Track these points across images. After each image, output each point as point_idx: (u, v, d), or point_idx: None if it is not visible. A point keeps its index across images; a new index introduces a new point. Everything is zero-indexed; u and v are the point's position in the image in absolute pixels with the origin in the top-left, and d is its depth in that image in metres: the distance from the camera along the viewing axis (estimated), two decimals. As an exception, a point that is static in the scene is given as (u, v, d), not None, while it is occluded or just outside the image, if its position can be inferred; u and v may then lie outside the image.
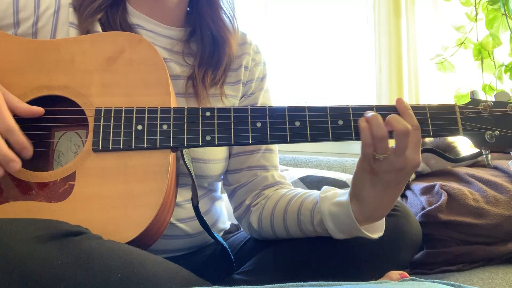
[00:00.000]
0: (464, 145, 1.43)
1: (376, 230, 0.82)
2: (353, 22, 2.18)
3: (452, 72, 1.86)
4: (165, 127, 0.75)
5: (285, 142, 0.77)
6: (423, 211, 1.17)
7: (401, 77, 1.90)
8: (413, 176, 1.38)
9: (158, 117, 0.76)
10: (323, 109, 0.77)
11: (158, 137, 0.75)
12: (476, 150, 1.30)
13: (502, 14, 1.71)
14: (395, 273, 0.85)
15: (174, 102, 0.80)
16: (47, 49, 0.80)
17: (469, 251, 1.13)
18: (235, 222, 1.11)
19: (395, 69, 1.90)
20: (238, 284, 0.84)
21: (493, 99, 0.80)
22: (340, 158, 1.75)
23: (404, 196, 1.35)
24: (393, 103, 0.77)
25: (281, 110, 0.77)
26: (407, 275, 0.85)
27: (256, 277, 0.86)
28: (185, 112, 0.76)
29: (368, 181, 0.76)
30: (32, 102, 0.76)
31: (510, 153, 0.79)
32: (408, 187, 1.35)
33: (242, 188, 0.97)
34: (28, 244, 0.57)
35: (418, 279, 0.68)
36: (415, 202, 1.26)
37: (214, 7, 0.94)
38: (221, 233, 1.07)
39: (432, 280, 0.69)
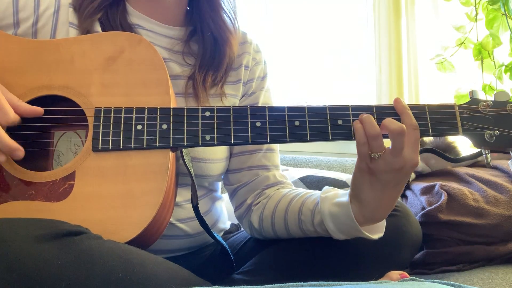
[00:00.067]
0: (464, 145, 1.43)
1: (376, 231, 0.82)
2: (353, 22, 2.18)
3: (452, 72, 1.86)
4: (164, 126, 0.75)
5: (285, 141, 0.77)
6: (423, 211, 1.17)
7: (401, 77, 1.90)
8: (413, 176, 1.38)
9: (158, 116, 0.76)
10: (323, 108, 0.77)
11: (157, 136, 0.75)
12: (476, 150, 1.31)
13: (502, 14, 1.71)
14: (395, 273, 0.85)
15: (173, 102, 0.80)
16: (47, 49, 0.80)
17: (469, 251, 1.13)
18: (236, 222, 1.11)
19: (395, 69, 1.90)
20: (238, 284, 0.84)
21: (493, 99, 0.80)
22: (340, 158, 1.75)
23: (404, 196, 1.35)
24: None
25: (280, 109, 0.77)
26: (407, 275, 0.85)
27: (256, 277, 0.86)
28: (185, 112, 0.76)
29: (367, 181, 0.76)
30: (32, 102, 0.76)
31: (509, 153, 0.79)
32: (408, 187, 1.35)
33: (244, 188, 0.97)
34: (28, 244, 0.57)
35: (418, 279, 0.68)
36: (415, 202, 1.26)
37: (214, 7, 0.94)
38: (221, 233, 1.07)
39: (432, 280, 0.69)
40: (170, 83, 0.80)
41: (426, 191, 1.25)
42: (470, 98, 0.80)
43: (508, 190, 1.17)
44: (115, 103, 0.76)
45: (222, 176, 1.01)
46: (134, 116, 0.76)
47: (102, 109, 0.76)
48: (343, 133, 0.76)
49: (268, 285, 0.60)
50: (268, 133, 0.76)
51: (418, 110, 0.77)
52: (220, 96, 0.95)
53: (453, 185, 1.21)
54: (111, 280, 0.59)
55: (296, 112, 0.77)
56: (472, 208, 1.14)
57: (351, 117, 0.77)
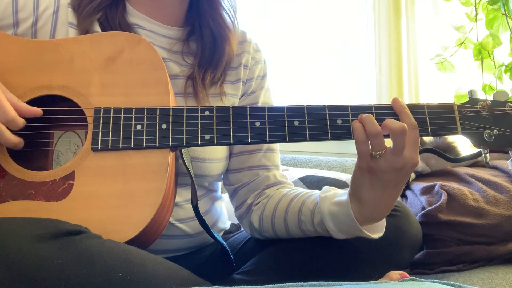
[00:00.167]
0: (464, 145, 1.43)
1: (376, 230, 0.82)
2: (353, 22, 2.18)
3: (452, 72, 1.86)
4: (164, 126, 0.75)
5: (284, 141, 0.77)
6: (423, 211, 1.17)
7: (401, 77, 1.90)
8: (413, 176, 1.38)
9: (157, 116, 0.76)
10: (322, 108, 0.77)
11: (157, 136, 0.75)
12: (476, 150, 1.31)
13: (502, 14, 1.71)
14: (395, 273, 0.85)
15: (173, 102, 0.80)
16: (47, 49, 0.80)
17: (469, 251, 1.13)
18: (236, 222, 1.11)
19: (395, 69, 1.90)
20: (238, 284, 0.84)
21: (492, 99, 0.80)
22: (340, 158, 1.75)
23: (404, 196, 1.35)
24: (393, 103, 0.77)
25: (280, 109, 0.77)
26: (407, 275, 0.85)
27: (256, 277, 0.86)
28: (184, 112, 0.76)
29: (367, 181, 0.76)
30: (31, 102, 0.76)
31: (509, 152, 0.79)
32: (408, 187, 1.35)
33: (244, 188, 0.97)
34: (28, 243, 0.57)
35: (418, 279, 0.68)
36: (415, 202, 1.26)
37: (214, 5, 0.94)
38: (221, 233, 1.07)
39: (432, 280, 0.69)
40: (169, 83, 0.80)
41: (426, 191, 1.25)
42: (469, 97, 0.80)
43: (508, 190, 1.17)
44: (115, 103, 0.76)
45: (222, 176, 1.01)
46: (133, 116, 0.76)
47: (102, 109, 0.76)
48: (342, 132, 0.76)
49: (268, 285, 0.60)
50: (267, 133, 0.76)
51: (417, 110, 0.77)
52: (219, 96, 0.95)
53: (453, 185, 1.21)
54: (111, 280, 0.59)
55: (295, 111, 0.77)
56: (472, 208, 1.14)
57: (351, 117, 0.77)
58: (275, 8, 2.19)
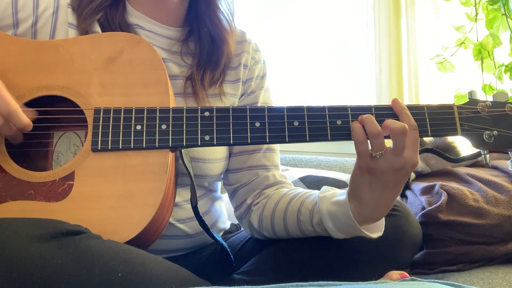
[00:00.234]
0: (464, 145, 1.43)
1: (375, 230, 0.82)
2: (353, 22, 2.18)
3: (452, 72, 1.86)
4: (164, 127, 0.76)
5: (284, 142, 0.77)
6: (423, 211, 1.17)
7: (401, 77, 1.90)
8: (413, 176, 1.38)
9: (157, 117, 0.76)
10: (322, 109, 0.77)
11: (157, 137, 0.75)
12: (476, 150, 1.31)
13: (502, 14, 1.71)
14: (395, 273, 0.85)
15: (173, 102, 0.80)
16: (47, 50, 0.80)
17: (469, 251, 1.13)
18: (235, 222, 1.11)
19: (395, 69, 1.90)
20: (238, 284, 0.84)
21: (492, 99, 0.80)
22: (340, 158, 1.75)
23: (404, 196, 1.35)
24: (393, 103, 0.77)
25: (280, 110, 0.77)
26: (407, 275, 0.85)
27: (256, 277, 0.86)
28: (184, 112, 0.76)
29: (367, 181, 0.76)
30: (31, 102, 0.77)
31: (508, 153, 0.79)
32: (408, 187, 1.35)
33: (243, 188, 0.97)
34: (28, 243, 0.57)
35: (418, 279, 0.68)
36: (415, 202, 1.26)
37: (211, 8, 0.94)
38: (221, 233, 1.07)
39: (432, 280, 0.69)
40: (169, 84, 0.80)
41: (426, 191, 1.25)
42: (468, 98, 0.80)
43: (508, 190, 1.17)
44: (115, 103, 0.76)
45: (222, 176, 1.01)
46: (133, 116, 0.76)
47: (102, 109, 0.76)
48: (342, 133, 0.76)
49: (268, 285, 0.60)
50: (267, 133, 0.76)
51: (417, 111, 0.77)
52: (219, 96, 0.95)
53: (453, 185, 1.21)
54: (111, 280, 0.59)
55: (295, 112, 0.77)
56: (472, 208, 1.14)
57: (350, 118, 0.77)
58: (275, 8, 2.19)
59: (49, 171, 0.74)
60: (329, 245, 0.86)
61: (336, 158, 1.74)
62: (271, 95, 1.04)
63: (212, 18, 0.94)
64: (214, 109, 0.77)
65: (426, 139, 1.41)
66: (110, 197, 0.71)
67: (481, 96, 0.81)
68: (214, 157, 0.92)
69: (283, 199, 0.90)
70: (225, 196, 1.05)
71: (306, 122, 0.77)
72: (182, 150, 0.79)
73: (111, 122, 0.75)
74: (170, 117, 0.76)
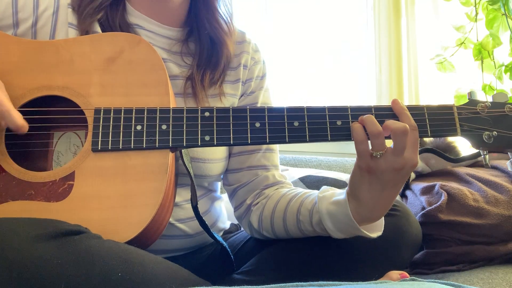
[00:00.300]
0: (464, 145, 1.43)
1: (375, 230, 0.82)
2: (353, 22, 2.18)
3: (452, 72, 1.86)
4: (164, 127, 0.76)
5: (284, 142, 0.77)
6: (423, 211, 1.17)
7: (401, 77, 1.90)
8: (413, 176, 1.38)
9: (157, 117, 0.76)
10: (322, 109, 0.77)
11: (157, 137, 0.75)
12: (476, 150, 1.31)
13: (502, 14, 1.71)
14: (395, 273, 0.85)
15: (173, 103, 0.81)
16: (47, 50, 0.80)
17: (469, 251, 1.13)
18: (235, 222, 1.11)
19: (395, 69, 1.90)
20: (238, 284, 0.84)
21: (491, 100, 0.80)
22: (340, 158, 1.75)
23: (404, 196, 1.35)
24: (393, 103, 0.77)
25: (280, 110, 0.77)
26: (407, 275, 0.85)
27: (256, 277, 0.86)
28: (184, 113, 0.77)
29: (366, 180, 0.76)
30: (31, 102, 0.77)
31: (508, 154, 0.80)
32: (408, 187, 1.35)
33: (243, 188, 0.97)
34: (28, 243, 0.57)
35: (418, 279, 0.68)
36: (415, 202, 1.26)
37: (210, 9, 0.94)
38: (221, 233, 1.07)
39: (432, 280, 0.69)
40: (169, 84, 0.80)
41: (426, 191, 1.25)
42: (468, 99, 0.80)
43: (508, 190, 1.17)
44: (115, 104, 0.76)
45: (222, 176, 1.01)
46: (133, 117, 0.76)
47: (102, 110, 0.76)
48: (342, 134, 0.77)
49: (268, 285, 0.60)
50: (267, 134, 0.76)
51: (416, 111, 0.78)
52: (219, 96, 0.95)
53: (453, 185, 1.21)
54: (111, 280, 0.60)
55: (295, 113, 0.77)
56: (472, 208, 1.14)
57: (350, 118, 0.77)
58: (275, 8, 2.19)
59: (49, 171, 0.74)
60: (329, 245, 0.86)
61: (336, 158, 1.74)
62: (271, 95, 1.04)
63: (211, 20, 0.94)
64: (214, 110, 0.77)
65: (426, 139, 1.41)
66: (110, 197, 0.71)
67: (481, 96, 0.81)
68: (214, 157, 0.92)
69: (283, 199, 0.91)
70: (225, 196, 1.06)
71: (306, 123, 0.77)
72: (182, 150, 0.79)
73: (111, 122, 0.75)
74: (170, 117, 0.76)
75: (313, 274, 0.82)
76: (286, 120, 0.77)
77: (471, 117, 0.78)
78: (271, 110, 0.77)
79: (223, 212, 1.08)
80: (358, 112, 0.77)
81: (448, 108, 0.79)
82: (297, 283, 0.61)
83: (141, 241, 0.71)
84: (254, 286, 0.62)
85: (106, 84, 0.78)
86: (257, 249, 0.93)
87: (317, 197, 0.84)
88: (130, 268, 0.62)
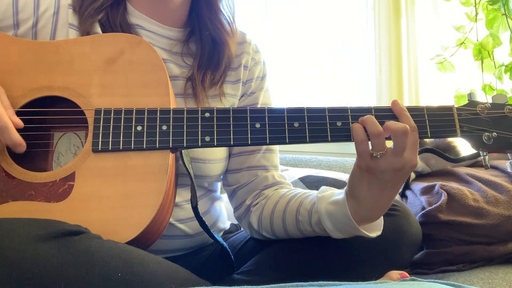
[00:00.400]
0: (464, 145, 1.43)
1: (374, 229, 0.82)
2: (353, 22, 2.18)
3: (452, 72, 1.86)
4: (164, 128, 0.76)
5: (284, 143, 0.77)
6: (423, 211, 1.17)
7: (401, 77, 1.90)
8: (413, 176, 1.38)
9: (158, 118, 0.76)
10: (322, 110, 0.77)
11: (157, 138, 0.75)
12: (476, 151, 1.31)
13: (502, 14, 1.71)
14: (395, 273, 0.85)
15: (173, 103, 0.81)
16: (47, 50, 0.80)
17: (469, 251, 1.13)
18: (235, 222, 1.11)
19: (395, 69, 1.90)
20: (238, 284, 0.84)
21: (491, 101, 0.80)
22: (340, 158, 1.75)
23: (404, 196, 1.35)
24: (393, 104, 0.77)
25: (280, 111, 0.77)
26: (407, 275, 0.85)
27: (256, 277, 0.86)
28: (185, 113, 0.77)
29: (365, 180, 0.76)
30: (31, 103, 0.77)
31: (508, 154, 0.80)
32: (408, 187, 1.35)
33: (243, 189, 0.97)
34: (28, 244, 0.57)
35: (418, 279, 0.68)
36: (415, 202, 1.26)
37: (213, 10, 0.94)
38: (221, 233, 1.07)
39: (432, 280, 0.69)
40: (170, 84, 0.80)
41: (426, 191, 1.25)
42: (468, 100, 0.80)
43: (508, 190, 1.17)
44: (115, 104, 0.77)
45: (221, 177, 1.01)
46: (134, 117, 0.76)
47: (102, 110, 0.76)
48: (342, 135, 0.77)
49: (268, 285, 0.60)
50: (267, 134, 0.76)
51: (416, 112, 0.78)
52: (219, 96, 0.95)
53: (453, 185, 1.21)
54: (111, 280, 0.60)
55: (295, 113, 0.77)
56: (472, 208, 1.14)
57: (350, 119, 0.77)
58: (275, 8, 2.19)
59: (50, 172, 0.74)
60: (329, 245, 0.86)
61: (336, 158, 1.74)
62: (271, 96, 1.04)
63: (214, 20, 0.94)
64: (215, 110, 0.77)
65: (426, 139, 1.41)
66: (110, 197, 0.72)
67: (481, 96, 0.81)
68: (214, 157, 0.92)
69: (282, 200, 0.91)
70: (225, 196, 1.06)
71: (306, 124, 0.77)
72: (183, 150, 0.79)
73: (111, 123, 0.75)
74: (171, 118, 0.76)
75: (313, 274, 0.82)
76: (286, 121, 0.77)
77: (471, 118, 0.78)
78: (271, 111, 0.77)
79: (223, 212, 1.08)
80: (358, 113, 0.77)
81: (448, 109, 0.79)
82: (297, 283, 0.61)
83: (141, 241, 0.71)
84: (254, 286, 0.62)
85: (106, 84, 0.78)
86: (257, 249, 0.93)
87: (316, 197, 0.84)
88: (130, 268, 0.62)
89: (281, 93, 2.13)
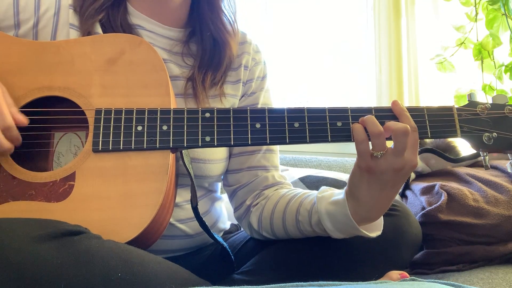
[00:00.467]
0: (464, 145, 1.43)
1: (374, 229, 0.82)
2: (353, 22, 2.18)
3: (452, 72, 1.86)
4: (165, 128, 0.76)
5: (284, 143, 0.77)
6: (423, 211, 1.17)
7: (401, 77, 1.90)
8: (413, 176, 1.38)
9: (158, 118, 0.76)
10: (322, 110, 0.77)
11: (157, 138, 0.75)
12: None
13: (502, 14, 1.71)
14: (395, 273, 0.85)
15: (174, 103, 0.81)
16: (48, 51, 0.80)
17: (469, 251, 1.13)
18: (235, 222, 1.11)
19: (395, 69, 1.91)
20: (238, 284, 0.84)
21: (491, 101, 0.80)
22: (340, 158, 1.75)
23: (404, 196, 1.35)
24: (393, 104, 0.77)
25: (280, 111, 0.78)
26: (407, 275, 0.85)
27: (256, 277, 0.86)
28: (185, 113, 0.77)
29: (366, 180, 0.76)
30: (32, 103, 0.77)
31: (508, 155, 0.80)
32: (408, 187, 1.35)
33: (243, 189, 0.97)
34: (28, 244, 0.57)
35: (418, 279, 0.68)
36: (415, 202, 1.26)
37: (215, 10, 0.94)
38: (221, 233, 1.07)
39: (432, 280, 0.69)
40: (170, 85, 0.80)
41: (426, 191, 1.25)
42: (468, 100, 0.81)
43: (508, 190, 1.17)
44: (116, 104, 0.77)
45: (222, 177, 1.01)
46: (134, 117, 0.76)
47: (103, 110, 0.76)
48: (342, 135, 0.77)
49: (268, 285, 0.60)
50: (267, 134, 0.76)
51: (416, 113, 0.78)
52: (219, 97, 0.95)
53: (453, 185, 1.21)
54: (111, 280, 0.60)
55: (295, 113, 0.77)
56: (472, 208, 1.14)
57: (350, 119, 0.77)
58: (275, 8, 2.19)
59: (50, 172, 0.74)
60: (329, 245, 0.86)
61: (336, 158, 1.74)
62: (271, 96, 1.04)
63: (215, 21, 0.94)
64: (215, 110, 0.77)
65: (426, 139, 1.41)
66: (110, 197, 0.72)
67: (481, 96, 0.81)
68: (214, 157, 0.92)
69: (282, 200, 0.91)
70: (225, 197, 1.06)
71: (307, 124, 0.77)
72: (183, 151, 0.79)
73: (112, 123, 0.75)
74: (171, 118, 0.76)
75: (313, 274, 0.82)
76: (286, 121, 0.77)
77: (471, 118, 0.78)
78: (271, 111, 0.78)
79: (223, 213, 1.08)
80: (358, 113, 0.77)
81: (448, 109, 0.79)
82: (297, 283, 0.61)
83: (142, 241, 0.71)
84: (254, 286, 0.62)
85: (107, 84, 0.78)
86: (257, 249, 0.94)
87: (316, 197, 0.84)
88: (130, 268, 0.62)
89: (281, 93, 2.13)
